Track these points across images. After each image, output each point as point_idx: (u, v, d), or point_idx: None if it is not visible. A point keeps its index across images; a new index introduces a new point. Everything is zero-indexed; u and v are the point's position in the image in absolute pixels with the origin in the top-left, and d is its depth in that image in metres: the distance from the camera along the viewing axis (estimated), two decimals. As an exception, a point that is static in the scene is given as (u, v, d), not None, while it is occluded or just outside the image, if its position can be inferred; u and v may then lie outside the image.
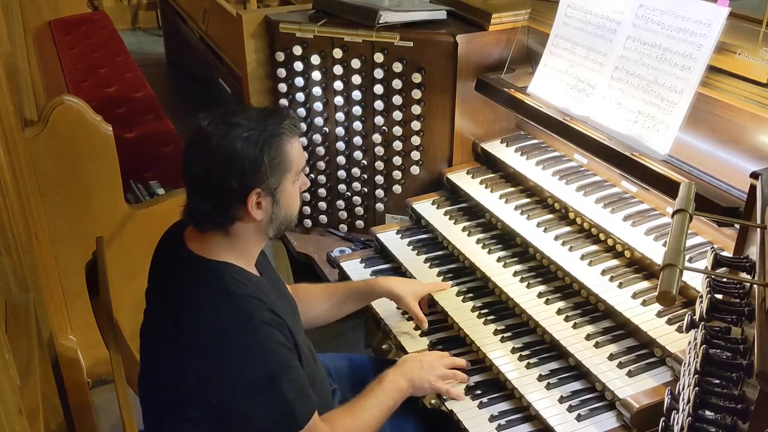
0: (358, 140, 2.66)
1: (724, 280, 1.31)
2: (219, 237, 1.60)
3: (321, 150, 2.70)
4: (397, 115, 2.56)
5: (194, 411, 1.56)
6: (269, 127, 1.57)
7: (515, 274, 2.15)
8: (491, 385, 1.94)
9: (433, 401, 1.98)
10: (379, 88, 2.55)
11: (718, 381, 1.14)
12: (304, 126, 2.65)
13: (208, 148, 1.55)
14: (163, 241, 1.77)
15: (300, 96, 2.67)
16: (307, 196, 2.77)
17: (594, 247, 2.12)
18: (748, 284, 1.26)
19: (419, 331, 2.13)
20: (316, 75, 2.63)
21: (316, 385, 1.73)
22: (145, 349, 1.73)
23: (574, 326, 1.93)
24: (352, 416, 1.73)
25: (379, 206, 2.74)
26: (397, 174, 2.66)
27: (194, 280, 1.59)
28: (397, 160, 2.64)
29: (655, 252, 1.95)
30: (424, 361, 1.89)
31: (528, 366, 1.90)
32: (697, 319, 1.26)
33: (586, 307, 2.00)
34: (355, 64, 2.55)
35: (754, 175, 1.44)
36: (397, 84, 2.52)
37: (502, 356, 1.95)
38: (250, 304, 1.56)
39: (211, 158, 1.54)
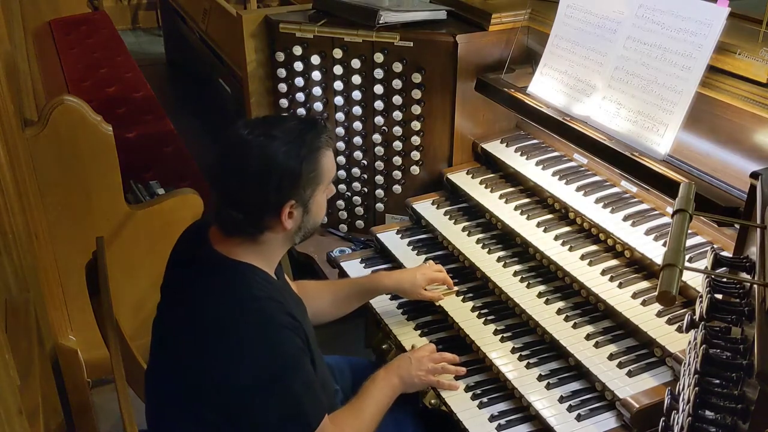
0: (358, 140, 2.67)
1: (724, 280, 1.31)
2: (245, 243, 1.61)
3: (321, 150, 2.70)
4: (397, 115, 2.56)
5: (207, 411, 1.56)
6: (308, 140, 1.58)
7: (515, 274, 2.15)
8: (491, 385, 1.93)
9: (433, 401, 1.98)
10: (379, 88, 2.55)
11: (718, 381, 1.14)
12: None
13: (246, 159, 1.55)
14: (185, 237, 1.77)
15: (300, 96, 2.67)
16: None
17: (594, 247, 2.12)
18: (748, 284, 1.25)
19: (419, 331, 2.13)
20: (316, 75, 2.63)
21: (326, 389, 1.75)
22: (157, 344, 1.72)
23: (574, 326, 1.93)
24: (355, 417, 1.74)
25: (379, 206, 2.74)
26: (397, 174, 2.66)
27: (217, 279, 1.59)
28: (397, 160, 2.64)
29: (655, 252, 1.95)
30: (412, 357, 1.91)
31: (528, 366, 1.90)
32: (697, 319, 1.26)
33: (586, 307, 2.00)
34: (355, 64, 2.55)
35: (754, 175, 1.44)
36: (397, 84, 2.52)
37: (502, 356, 1.95)
38: (271, 306, 1.57)
39: (250, 170, 1.55)
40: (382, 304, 2.24)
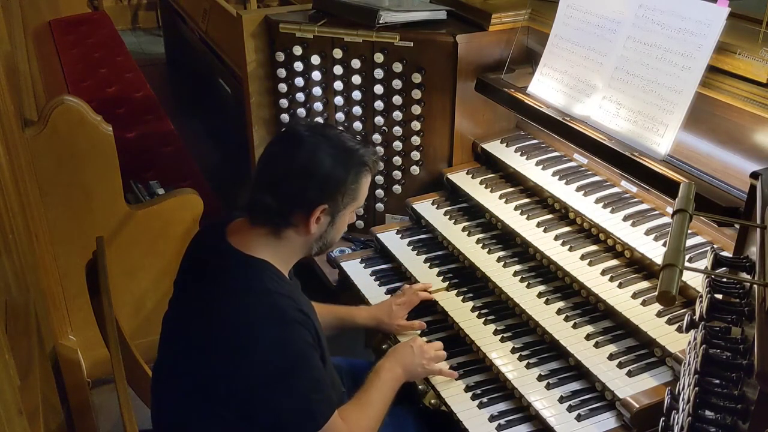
0: (358, 140, 2.66)
1: (724, 280, 1.31)
2: (266, 236, 1.63)
3: (321, 150, 2.70)
4: (397, 115, 2.56)
5: (216, 405, 1.57)
6: (359, 155, 1.64)
7: (515, 274, 2.15)
8: (491, 385, 1.93)
9: (433, 401, 1.98)
10: (379, 88, 2.55)
11: (718, 381, 1.14)
12: (305, 116, 2.69)
13: (299, 151, 1.60)
14: (200, 233, 1.80)
15: (300, 96, 2.67)
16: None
17: (594, 247, 2.12)
18: (748, 284, 1.25)
19: (419, 331, 2.13)
20: (316, 75, 2.63)
21: (335, 387, 1.75)
22: (168, 339, 1.73)
23: (574, 326, 1.93)
24: (362, 411, 1.75)
25: (379, 206, 2.74)
26: (396, 174, 2.66)
27: (232, 273, 1.61)
28: (397, 160, 2.64)
29: (655, 252, 1.95)
30: (414, 346, 1.93)
31: (528, 366, 1.90)
32: (697, 319, 1.26)
33: (586, 307, 2.00)
34: (355, 64, 2.55)
35: (754, 175, 1.44)
36: (397, 84, 2.52)
37: (502, 356, 1.95)
38: (284, 301, 1.58)
39: (299, 162, 1.59)
40: (382, 304, 2.24)
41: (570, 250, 2.11)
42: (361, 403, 1.77)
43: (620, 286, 1.96)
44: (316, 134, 1.63)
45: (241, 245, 1.62)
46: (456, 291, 2.20)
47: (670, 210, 2.02)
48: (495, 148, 2.56)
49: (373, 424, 1.75)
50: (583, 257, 2.07)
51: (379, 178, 2.69)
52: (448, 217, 2.46)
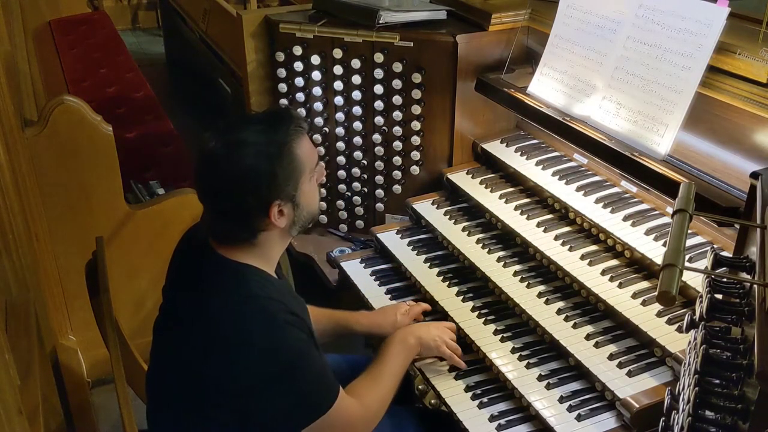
0: (358, 140, 2.66)
1: (724, 280, 1.31)
2: (242, 246, 1.61)
3: (321, 150, 2.70)
4: (397, 115, 2.56)
5: (214, 410, 1.56)
6: (275, 137, 1.56)
7: (515, 274, 2.15)
8: (491, 385, 1.93)
9: (433, 401, 1.98)
10: (379, 88, 2.55)
11: (718, 381, 1.14)
12: (305, 116, 2.65)
13: (217, 172, 1.55)
14: (186, 239, 1.77)
15: (300, 96, 2.67)
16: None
17: (594, 247, 2.12)
18: (748, 284, 1.25)
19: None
20: (316, 75, 2.63)
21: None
22: (160, 345, 1.72)
23: (574, 326, 1.93)
24: (374, 383, 1.75)
25: (379, 206, 2.74)
26: (397, 174, 2.66)
27: (220, 280, 1.60)
28: (397, 160, 2.64)
29: (655, 252, 1.95)
30: (431, 324, 1.96)
31: (528, 366, 1.90)
32: (697, 319, 1.26)
33: (586, 307, 2.00)
34: (355, 64, 2.55)
35: (754, 175, 1.44)
36: (397, 84, 2.52)
37: (502, 356, 1.95)
38: (273, 305, 1.57)
39: (223, 181, 1.55)
40: (381, 302, 2.24)
41: (570, 250, 2.11)
42: (372, 376, 1.77)
43: (620, 286, 1.96)
44: (224, 144, 1.55)
45: (225, 252, 1.61)
46: (456, 291, 2.20)
47: (670, 210, 2.02)
48: (495, 148, 2.56)
49: (386, 395, 1.75)
50: (583, 257, 2.07)
51: (379, 178, 2.69)
52: (448, 217, 2.46)
